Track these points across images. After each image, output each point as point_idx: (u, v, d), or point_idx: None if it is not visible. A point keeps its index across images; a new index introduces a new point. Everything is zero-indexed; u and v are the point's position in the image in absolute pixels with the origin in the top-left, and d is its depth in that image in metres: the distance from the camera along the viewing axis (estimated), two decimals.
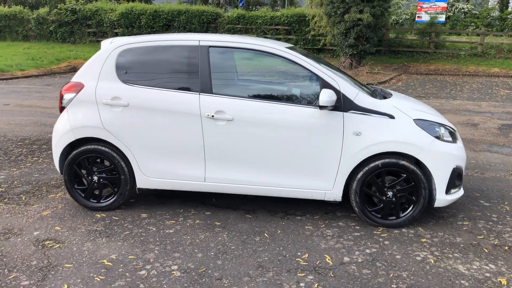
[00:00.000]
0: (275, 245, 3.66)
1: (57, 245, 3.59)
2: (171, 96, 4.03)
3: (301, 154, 3.97)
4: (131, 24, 20.25)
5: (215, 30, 19.98)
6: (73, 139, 4.15)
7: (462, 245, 3.69)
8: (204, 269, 3.28)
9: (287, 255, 3.50)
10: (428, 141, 3.87)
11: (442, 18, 18.83)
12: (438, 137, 3.92)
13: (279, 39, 19.21)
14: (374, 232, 3.92)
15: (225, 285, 3.09)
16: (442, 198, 3.95)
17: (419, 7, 19.05)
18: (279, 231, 3.91)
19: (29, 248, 3.54)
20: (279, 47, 4.09)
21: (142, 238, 3.73)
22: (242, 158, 4.03)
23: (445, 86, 13.06)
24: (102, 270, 3.24)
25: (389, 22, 20.00)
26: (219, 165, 4.07)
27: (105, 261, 3.37)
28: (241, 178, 4.07)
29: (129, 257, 3.43)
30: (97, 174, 4.20)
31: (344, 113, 3.90)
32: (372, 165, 3.91)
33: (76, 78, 4.23)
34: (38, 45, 20.33)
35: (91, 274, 3.18)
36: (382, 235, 3.87)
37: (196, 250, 3.55)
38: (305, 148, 3.95)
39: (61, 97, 4.21)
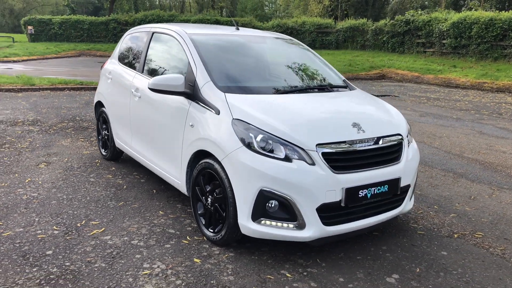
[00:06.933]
0: (122, 215, 3.91)
1: (43, 165, 5.22)
2: (126, 74, 4.86)
3: (164, 138, 3.99)
4: (460, 34, 19.00)
5: None
6: (96, 100, 5.65)
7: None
8: (41, 197, 4.21)
9: (116, 222, 3.78)
10: (233, 147, 3.11)
11: None
12: (249, 145, 3.06)
13: None
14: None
15: (28, 207, 3.94)
16: (245, 225, 3.09)
17: None
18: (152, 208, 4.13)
19: (33, 161, 5.33)
20: (176, 29, 4.23)
21: (79, 177, 4.85)
22: (143, 133, 4.41)
23: None
24: (20, 185, 4.60)
25: None
26: (136, 136, 4.59)
27: (28, 179, 4.74)
28: (142, 152, 4.46)
29: (47, 182, 4.66)
30: (104, 130, 5.53)
31: (192, 102, 3.65)
32: (200, 162, 3.50)
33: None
34: (367, 53, 22.19)
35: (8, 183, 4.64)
36: (206, 245, 3.45)
37: (68, 189, 4.44)
38: (166, 133, 3.95)
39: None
